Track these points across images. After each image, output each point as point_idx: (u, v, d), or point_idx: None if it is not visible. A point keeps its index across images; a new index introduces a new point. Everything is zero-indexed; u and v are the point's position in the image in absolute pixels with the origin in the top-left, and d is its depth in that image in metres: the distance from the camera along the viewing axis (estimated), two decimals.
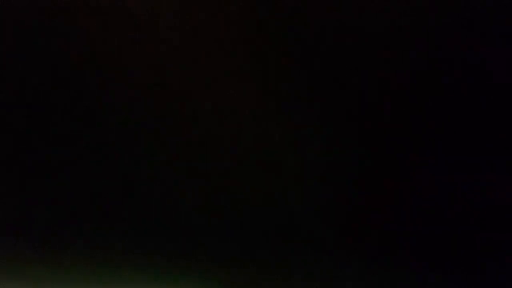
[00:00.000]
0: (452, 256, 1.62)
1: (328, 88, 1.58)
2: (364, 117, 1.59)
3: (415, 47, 1.57)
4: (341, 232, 1.62)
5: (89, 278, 1.64)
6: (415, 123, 1.59)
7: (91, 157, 1.60)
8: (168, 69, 1.57)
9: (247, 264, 1.64)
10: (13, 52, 1.58)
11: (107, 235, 1.62)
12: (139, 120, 1.59)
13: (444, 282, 1.63)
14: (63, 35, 1.56)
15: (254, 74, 1.57)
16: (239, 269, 1.64)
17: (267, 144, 1.60)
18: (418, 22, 1.55)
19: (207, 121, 1.59)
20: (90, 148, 1.60)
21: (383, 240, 1.62)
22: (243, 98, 1.58)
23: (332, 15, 1.55)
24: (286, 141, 1.60)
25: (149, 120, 1.59)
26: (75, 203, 1.61)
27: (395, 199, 1.61)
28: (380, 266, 1.63)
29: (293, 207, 1.62)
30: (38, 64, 1.58)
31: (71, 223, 1.62)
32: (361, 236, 1.62)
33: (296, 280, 1.65)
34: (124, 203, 1.61)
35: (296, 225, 1.62)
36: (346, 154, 1.61)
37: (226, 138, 1.59)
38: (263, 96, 1.58)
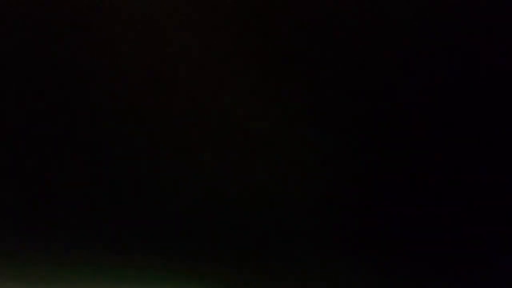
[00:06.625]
0: (452, 256, 1.62)
1: (327, 87, 1.58)
2: (363, 115, 1.59)
3: (415, 46, 1.57)
4: (342, 233, 1.63)
5: (89, 278, 1.64)
6: (414, 121, 1.59)
7: (91, 156, 1.60)
8: (167, 69, 1.58)
9: (246, 264, 1.64)
10: (12, 50, 1.58)
11: (108, 235, 1.62)
12: (140, 120, 1.59)
13: (444, 281, 1.63)
14: (62, 35, 1.56)
15: (253, 74, 1.57)
16: (238, 270, 1.65)
17: (267, 145, 1.60)
18: (418, 22, 1.56)
19: (207, 121, 1.59)
20: (91, 147, 1.60)
21: (382, 240, 1.63)
22: (241, 97, 1.58)
23: (333, 14, 1.55)
24: (286, 142, 1.60)
25: (150, 121, 1.59)
26: (75, 203, 1.61)
27: (394, 198, 1.61)
28: (379, 265, 1.63)
29: (293, 208, 1.62)
30: (37, 63, 1.58)
31: (71, 223, 1.62)
32: (360, 236, 1.63)
33: (296, 280, 1.65)
34: (124, 203, 1.61)
35: (295, 226, 1.62)
36: (344, 152, 1.61)
37: (226, 139, 1.59)
38: (261, 95, 1.58)
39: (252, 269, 1.64)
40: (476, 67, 1.57)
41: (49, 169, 1.60)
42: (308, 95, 1.58)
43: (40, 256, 1.63)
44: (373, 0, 1.53)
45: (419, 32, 1.55)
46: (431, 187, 1.61)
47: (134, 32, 1.55)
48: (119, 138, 1.59)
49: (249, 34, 1.54)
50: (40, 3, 1.55)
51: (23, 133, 1.59)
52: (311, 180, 1.61)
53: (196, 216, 1.61)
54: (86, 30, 1.54)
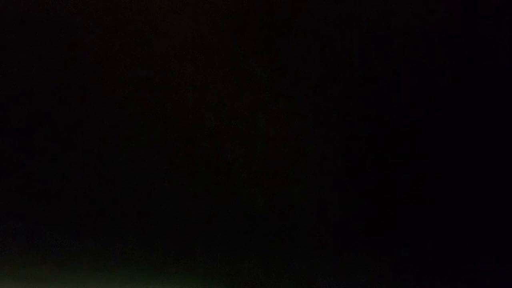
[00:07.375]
0: (452, 256, 1.63)
1: (328, 87, 1.58)
2: (364, 115, 1.59)
3: (415, 47, 1.57)
4: (342, 233, 1.63)
5: (89, 278, 1.64)
6: (415, 121, 1.59)
7: (91, 156, 1.60)
8: (167, 68, 1.57)
9: (246, 264, 1.64)
10: (12, 50, 1.58)
11: (107, 235, 1.62)
12: (140, 121, 1.59)
13: (444, 281, 1.63)
14: (62, 34, 1.56)
15: (253, 74, 1.57)
16: (239, 269, 1.65)
17: (268, 145, 1.60)
18: (418, 22, 1.56)
19: (206, 121, 1.59)
20: (91, 147, 1.60)
21: (383, 240, 1.63)
22: (241, 96, 1.58)
23: (333, 14, 1.55)
24: (287, 142, 1.60)
25: (150, 122, 1.59)
26: (75, 203, 1.61)
27: (394, 198, 1.61)
28: (379, 266, 1.63)
29: (293, 208, 1.62)
30: (37, 63, 1.58)
31: (71, 223, 1.62)
32: (360, 236, 1.63)
33: (296, 280, 1.65)
34: (124, 203, 1.61)
35: (296, 225, 1.62)
36: (345, 153, 1.61)
37: (226, 139, 1.59)
38: (261, 95, 1.58)
39: (252, 269, 1.64)
40: (476, 67, 1.57)
41: (49, 169, 1.59)
42: (309, 95, 1.58)
43: (40, 256, 1.63)
44: (374, 0, 1.53)
45: (419, 32, 1.55)
46: (431, 187, 1.61)
47: (134, 32, 1.54)
48: (119, 139, 1.59)
49: (249, 34, 1.54)
50: (40, 3, 1.55)
51: (23, 133, 1.59)
52: (311, 180, 1.61)
53: (196, 216, 1.61)
54: (86, 30, 1.54)
